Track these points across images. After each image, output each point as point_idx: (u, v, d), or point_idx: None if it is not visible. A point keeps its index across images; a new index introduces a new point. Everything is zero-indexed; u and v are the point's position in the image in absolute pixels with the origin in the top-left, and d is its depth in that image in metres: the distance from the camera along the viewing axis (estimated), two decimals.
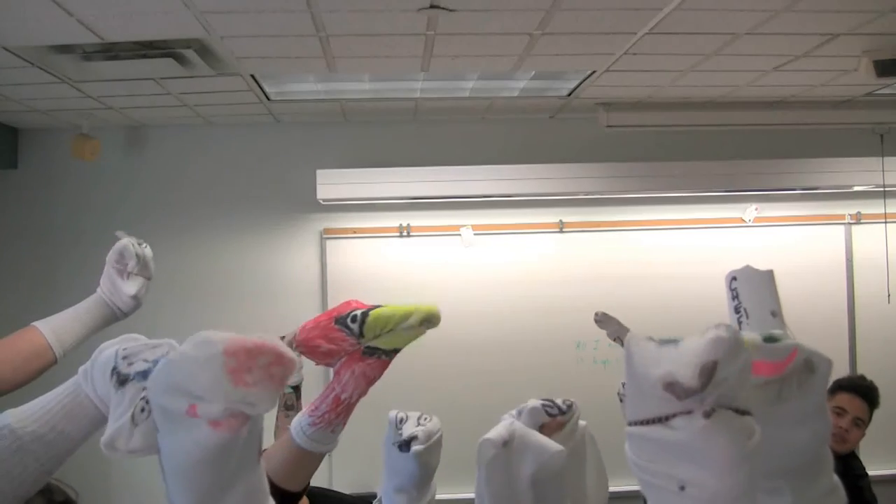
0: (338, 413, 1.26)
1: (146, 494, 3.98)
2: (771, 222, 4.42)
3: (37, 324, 1.70)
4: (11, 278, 4.15)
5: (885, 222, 4.33)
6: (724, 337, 0.65)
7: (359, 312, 1.25)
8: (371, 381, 1.27)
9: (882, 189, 4.17)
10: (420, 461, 1.28)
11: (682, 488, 0.65)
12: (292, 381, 2.57)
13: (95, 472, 4.03)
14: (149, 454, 0.89)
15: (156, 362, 0.90)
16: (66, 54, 2.86)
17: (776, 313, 0.94)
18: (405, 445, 1.28)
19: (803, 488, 0.78)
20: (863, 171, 4.16)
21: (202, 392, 0.69)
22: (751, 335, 0.77)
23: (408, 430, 1.31)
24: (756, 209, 4.39)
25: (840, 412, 3.17)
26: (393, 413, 1.34)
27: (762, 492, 0.76)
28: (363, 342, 1.26)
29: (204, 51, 2.89)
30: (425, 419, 1.33)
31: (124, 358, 0.91)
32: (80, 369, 0.95)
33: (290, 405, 2.51)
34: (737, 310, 0.95)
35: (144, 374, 0.89)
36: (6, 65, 2.95)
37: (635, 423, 0.68)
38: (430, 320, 1.26)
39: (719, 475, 0.64)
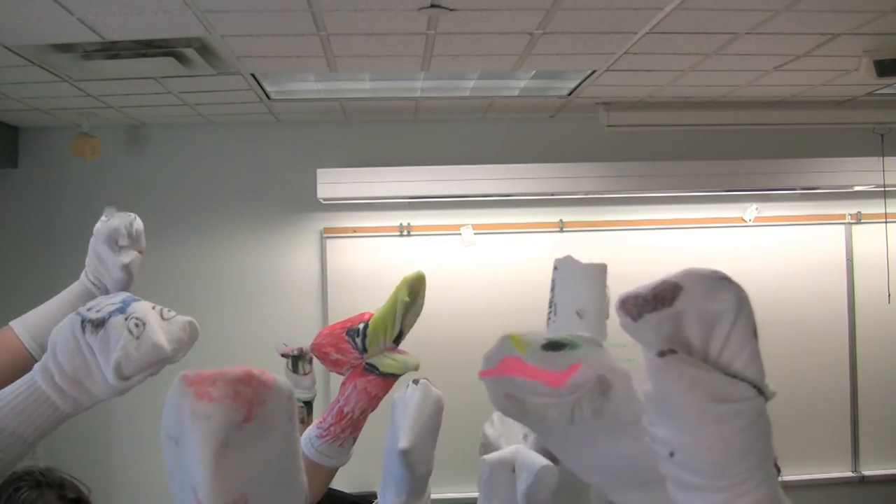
0: (343, 427, 1.26)
1: (147, 496, 3.98)
2: (771, 222, 4.42)
3: (13, 325, 1.58)
4: (11, 277, 4.15)
5: (886, 222, 4.33)
6: (700, 271, 0.61)
7: (363, 326, 1.26)
8: (373, 398, 1.27)
9: (882, 189, 4.17)
10: (407, 461, 1.27)
11: (672, 454, 0.61)
12: (304, 396, 2.58)
13: (96, 473, 4.03)
14: (159, 360, 0.87)
15: (124, 302, 0.90)
16: (67, 53, 2.86)
17: (584, 314, 0.82)
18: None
19: (663, 501, 0.68)
20: (863, 171, 4.16)
21: (170, 422, 0.65)
22: (533, 337, 0.69)
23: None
24: (756, 209, 4.39)
25: None
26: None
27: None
28: (366, 357, 1.26)
29: (204, 50, 2.89)
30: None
31: (89, 310, 0.90)
32: (37, 365, 0.91)
33: (301, 419, 2.52)
34: (550, 303, 0.85)
35: (120, 310, 0.89)
36: (7, 63, 2.95)
37: None
38: (416, 288, 1.27)
39: (685, 430, 0.60)
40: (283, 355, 2.57)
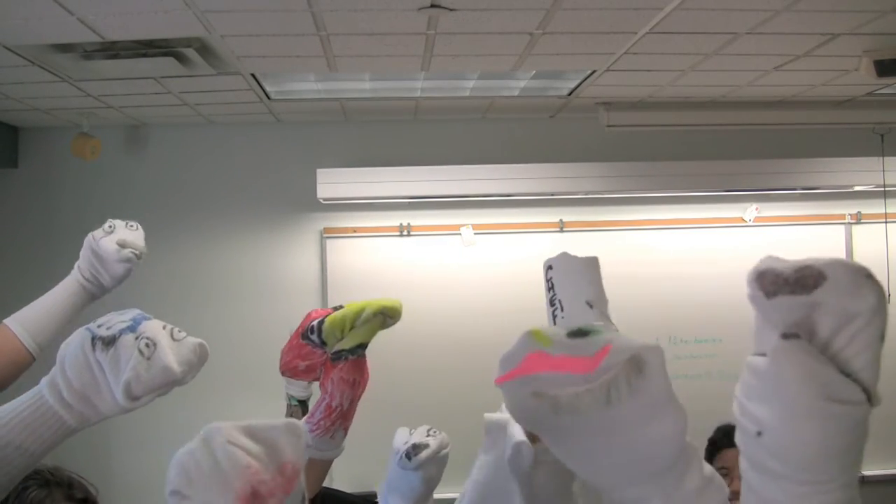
0: (332, 420, 1.27)
1: (147, 499, 3.98)
2: (771, 222, 4.42)
3: (9, 324, 1.61)
4: (11, 277, 4.15)
5: (886, 222, 4.33)
6: (848, 264, 0.59)
7: (315, 323, 1.26)
8: (353, 385, 1.27)
9: (882, 189, 4.17)
10: (424, 475, 1.28)
11: (759, 434, 0.60)
12: (300, 395, 2.58)
13: (96, 476, 4.03)
14: (169, 382, 0.88)
15: (134, 320, 0.90)
16: (67, 53, 2.86)
17: (593, 304, 0.82)
18: (413, 450, 1.29)
19: (670, 491, 0.68)
20: (863, 171, 4.15)
21: (183, 482, 0.64)
22: (555, 329, 0.68)
23: (417, 437, 1.31)
24: (756, 209, 4.39)
25: (727, 472, 2.43)
26: (400, 432, 1.35)
27: (628, 501, 0.70)
28: (328, 349, 1.26)
29: (204, 50, 2.89)
30: (434, 432, 1.34)
31: (99, 326, 0.90)
32: (45, 379, 0.91)
33: (297, 419, 2.51)
34: (552, 302, 0.83)
35: (131, 328, 0.89)
36: (7, 63, 2.95)
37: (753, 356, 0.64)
38: (385, 312, 1.27)
39: (786, 418, 0.58)
40: None
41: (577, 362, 0.65)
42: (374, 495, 3.84)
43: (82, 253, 1.77)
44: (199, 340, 0.95)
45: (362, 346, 1.27)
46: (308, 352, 1.26)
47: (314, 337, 1.25)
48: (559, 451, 0.70)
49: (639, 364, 0.65)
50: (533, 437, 0.96)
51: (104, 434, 4.05)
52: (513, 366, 0.67)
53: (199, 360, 0.94)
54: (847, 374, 0.59)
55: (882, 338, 0.60)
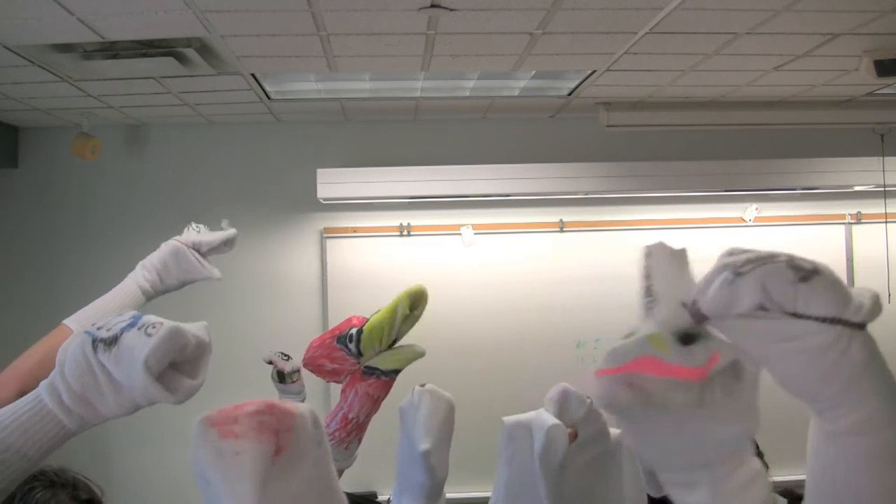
0: (348, 431, 1.26)
1: (147, 497, 3.98)
2: (771, 222, 4.42)
3: (68, 322, 1.60)
4: (12, 277, 4.15)
5: (886, 222, 4.33)
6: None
7: (354, 331, 1.25)
8: (376, 401, 1.26)
9: (882, 189, 4.17)
10: (426, 465, 1.26)
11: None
12: (294, 401, 2.57)
13: (96, 473, 4.03)
14: (182, 345, 0.88)
15: (134, 317, 0.90)
16: (67, 53, 2.86)
17: (687, 305, 0.79)
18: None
19: (721, 480, 0.70)
20: (863, 171, 4.16)
21: (199, 463, 0.64)
22: (664, 333, 0.70)
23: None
24: (756, 209, 4.39)
25: None
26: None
27: (676, 485, 0.73)
28: (363, 361, 1.26)
29: (204, 50, 2.89)
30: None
31: (98, 329, 0.89)
32: (43, 383, 0.90)
33: None
34: (648, 291, 0.79)
35: (132, 325, 0.88)
36: (7, 63, 2.95)
37: None
38: (417, 302, 1.27)
39: (770, 368, 0.66)
40: (270, 363, 2.55)
41: (690, 371, 0.68)
42: (375, 495, 3.84)
43: (156, 257, 1.79)
44: (202, 322, 0.95)
45: (397, 372, 1.27)
46: (340, 356, 1.26)
47: (352, 346, 1.25)
48: (630, 433, 0.74)
49: (737, 370, 0.69)
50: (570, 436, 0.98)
51: (105, 434, 4.04)
52: (621, 363, 0.69)
53: (206, 337, 0.94)
54: (801, 316, 0.64)
55: (803, 279, 0.64)
